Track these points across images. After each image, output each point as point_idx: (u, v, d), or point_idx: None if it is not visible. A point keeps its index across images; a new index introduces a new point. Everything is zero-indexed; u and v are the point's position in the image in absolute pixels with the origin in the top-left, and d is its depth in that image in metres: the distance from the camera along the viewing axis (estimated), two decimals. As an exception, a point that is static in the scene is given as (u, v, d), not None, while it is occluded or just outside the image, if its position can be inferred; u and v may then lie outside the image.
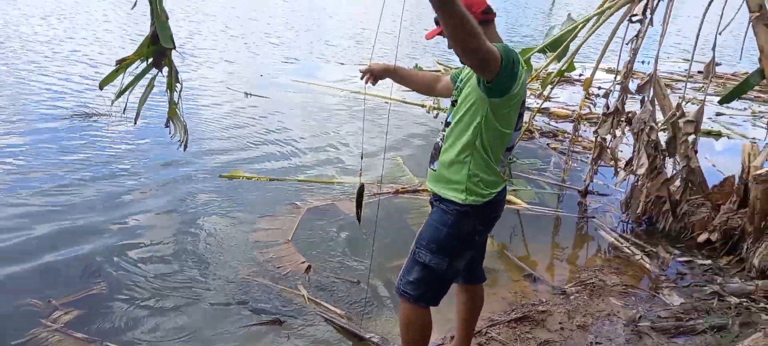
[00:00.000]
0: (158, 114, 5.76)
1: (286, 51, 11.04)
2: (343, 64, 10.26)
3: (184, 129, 1.94)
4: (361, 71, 2.57)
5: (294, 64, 9.91)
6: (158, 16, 1.64)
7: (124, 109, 1.92)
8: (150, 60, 1.80)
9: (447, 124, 2.27)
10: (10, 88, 6.84)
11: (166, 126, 1.98)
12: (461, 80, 2.24)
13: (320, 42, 12.49)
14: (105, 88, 1.88)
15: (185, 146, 1.97)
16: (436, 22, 2.09)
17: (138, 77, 1.82)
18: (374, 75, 2.55)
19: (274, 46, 11.36)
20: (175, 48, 1.77)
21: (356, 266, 3.69)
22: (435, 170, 2.28)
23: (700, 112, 4.08)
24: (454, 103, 2.26)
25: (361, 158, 3.08)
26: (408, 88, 2.79)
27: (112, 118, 6.02)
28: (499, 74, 1.92)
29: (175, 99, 1.91)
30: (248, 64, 9.64)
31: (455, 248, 2.28)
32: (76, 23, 11.70)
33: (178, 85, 1.89)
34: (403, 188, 4.90)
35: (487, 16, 2.13)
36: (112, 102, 1.89)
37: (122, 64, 1.75)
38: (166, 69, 1.86)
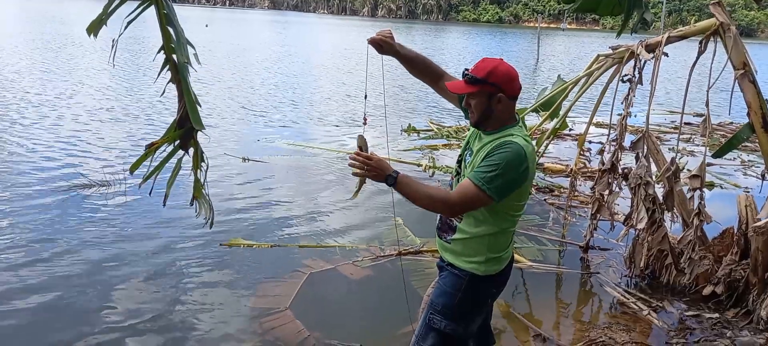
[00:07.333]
0: (159, 185, 5.77)
1: (282, 114, 11.21)
2: (337, 126, 10.41)
3: (210, 208, 1.98)
4: (368, 40, 2.23)
5: (290, 128, 10.05)
6: (189, 100, 1.70)
7: (151, 192, 1.97)
8: (177, 143, 1.85)
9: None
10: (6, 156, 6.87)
11: (191, 204, 2.02)
12: (471, 153, 2.20)
13: (316, 103, 12.71)
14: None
15: (211, 224, 2.00)
16: (463, 76, 2.09)
17: (165, 159, 1.87)
18: (378, 43, 2.23)
19: (269, 110, 11.53)
20: (203, 129, 1.83)
21: (358, 330, 3.67)
22: (448, 243, 2.27)
23: (702, 167, 4.16)
24: (459, 172, 2.29)
25: (365, 98, 2.32)
26: (411, 73, 2.40)
27: (112, 187, 6.02)
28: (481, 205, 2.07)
29: (200, 178, 1.96)
30: (245, 129, 9.75)
31: (470, 312, 2.28)
32: (78, 96, 11.85)
33: (203, 164, 1.94)
34: (405, 250, 4.91)
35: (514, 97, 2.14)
36: (140, 185, 1.93)
37: (152, 148, 1.80)
38: (191, 149, 1.92)
